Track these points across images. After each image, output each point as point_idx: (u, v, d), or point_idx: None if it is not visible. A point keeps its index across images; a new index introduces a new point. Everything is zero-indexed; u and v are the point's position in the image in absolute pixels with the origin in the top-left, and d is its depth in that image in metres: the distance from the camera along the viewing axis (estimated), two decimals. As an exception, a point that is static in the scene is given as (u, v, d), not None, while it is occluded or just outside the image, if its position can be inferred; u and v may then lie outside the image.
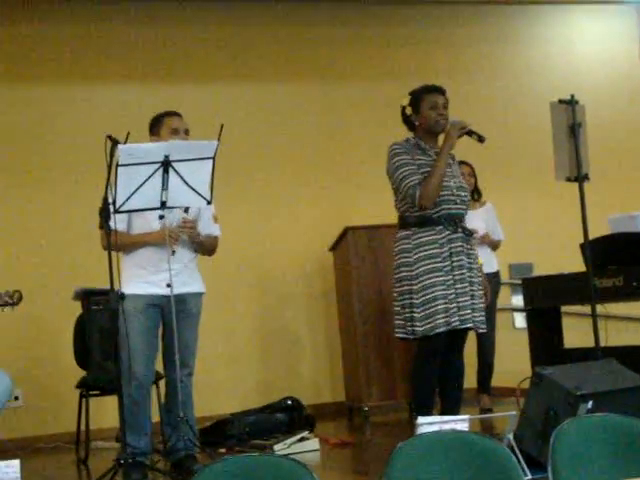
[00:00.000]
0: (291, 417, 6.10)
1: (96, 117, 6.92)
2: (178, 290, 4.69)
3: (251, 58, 7.64)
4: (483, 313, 4.82)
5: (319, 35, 7.84)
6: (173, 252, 4.65)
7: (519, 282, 6.88)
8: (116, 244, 4.70)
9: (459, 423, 3.65)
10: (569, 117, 5.20)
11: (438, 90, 4.88)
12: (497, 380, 6.79)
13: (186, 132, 4.80)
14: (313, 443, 5.39)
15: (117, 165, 4.23)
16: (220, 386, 7.14)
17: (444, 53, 8.08)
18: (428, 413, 4.62)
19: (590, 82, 8.15)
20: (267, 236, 7.51)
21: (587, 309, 5.38)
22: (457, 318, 4.65)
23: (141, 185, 4.25)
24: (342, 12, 7.90)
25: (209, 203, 4.41)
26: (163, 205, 4.36)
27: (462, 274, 4.71)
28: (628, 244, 5.55)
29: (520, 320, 7.70)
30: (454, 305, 4.65)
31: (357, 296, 6.67)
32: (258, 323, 7.47)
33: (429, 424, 3.63)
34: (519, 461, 2.67)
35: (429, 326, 4.62)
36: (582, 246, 5.49)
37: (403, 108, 4.90)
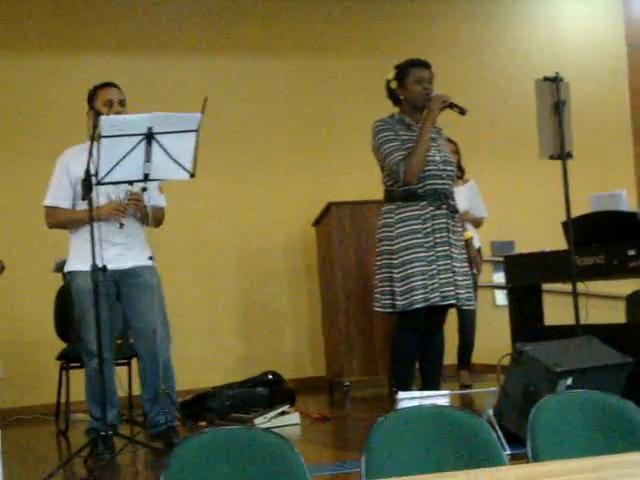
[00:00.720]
0: (272, 391, 6.11)
1: (79, 88, 6.86)
2: (132, 263, 4.69)
3: (237, 31, 7.60)
4: (470, 290, 4.83)
5: (306, 10, 7.79)
6: (121, 225, 4.60)
7: (501, 259, 6.90)
8: (58, 221, 4.71)
9: (439, 398, 3.67)
10: (553, 94, 5.20)
11: (424, 64, 4.86)
12: (477, 357, 6.83)
13: (121, 103, 4.72)
14: (294, 417, 5.41)
15: (100, 136, 4.20)
16: (201, 360, 7.15)
17: (429, 30, 8.05)
18: (407, 387, 4.66)
19: (575, 60, 8.14)
20: (250, 211, 7.50)
21: (568, 287, 5.40)
22: (437, 294, 4.66)
23: (124, 157, 4.22)
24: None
25: (192, 176, 4.39)
26: (146, 177, 4.34)
27: (444, 250, 4.71)
28: (610, 222, 5.56)
29: (501, 297, 7.74)
30: (435, 281, 4.66)
31: (339, 271, 6.68)
32: (240, 298, 7.47)
33: (409, 399, 3.65)
34: (499, 436, 2.68)
35: (407, 301, 4.63)
36: (564, 224, 5.50)
37: (388, 82, 4.89)
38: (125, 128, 4.22)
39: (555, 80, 5.20)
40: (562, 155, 5.21)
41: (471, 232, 5.54)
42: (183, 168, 4.35)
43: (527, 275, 6.13)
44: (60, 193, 4.74)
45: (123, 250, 4.67)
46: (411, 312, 4.66)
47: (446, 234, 4.74)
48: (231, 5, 7.62)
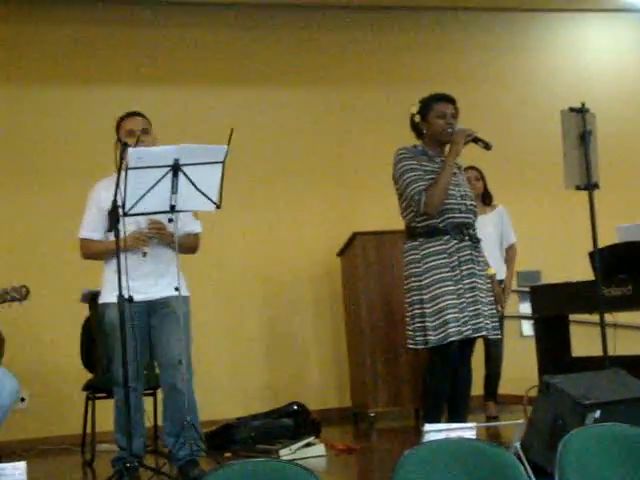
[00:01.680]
0: (297, 422, 6.09)
1: (104, 120, 6.93)
2: (160, 294, 4.67)
3: (259, 63, 7.66)
4: (495, 319, 4.81)
5: (328, 41, 7.85)
6: (144, 254, 4.61)
7: (527, 290, 6.86)
8: (90, 253, 4.74)
9: (466, 431, 3.64)
10: (579, 125, 5.20)
11: (447, 99, 4.87)
12: (504, 388, 6.77)
13: (144, 131, 4.72)
14: (319, 449, 5.38)
15: (127, 168, 4.23)
16: (226, 390, 7.14)
17: (453, 60, 8.08)
18: (437, 421, 4.62)
19: (600, 90, 8.13)
20: (275, 241, 7.51)
21: (595, 318, 5.36)
22: (469, 327, 4.64)
23: (151, 188, 4.25)
24: (352, 18, 7.91)
25: (218, 207, 4.40)
26: (172, 209, 4.36)
27: (471, 282, 4.70)
28: (637, 253, 5.53)
29: (528, 328, 7.69)
30: (465, 314, 4.64)
31: (364, 302, 6.66)
32: (265, 328, 7.47)
33: (436, 431, 3.61)
34: (526, 470, 2.66)
35: (441, 335, 4.61)
36: (591, 254, 5.48)
37: (412, 116, 4.90)
38: (152, 160, 4.24)
39: (581, 111, 5.20)
40: (588, 185, 5.19)
41: (494, 268, 5.46)
42: (209, 199, 4.37)
43: (554, 306, 6.10)
44: (92, 225, 4.78)
45: (152, 280, 4.66)
46: (445, 346, 4.64)
47: (472, 265, 4.73)
48: (254, 37, 7.68)
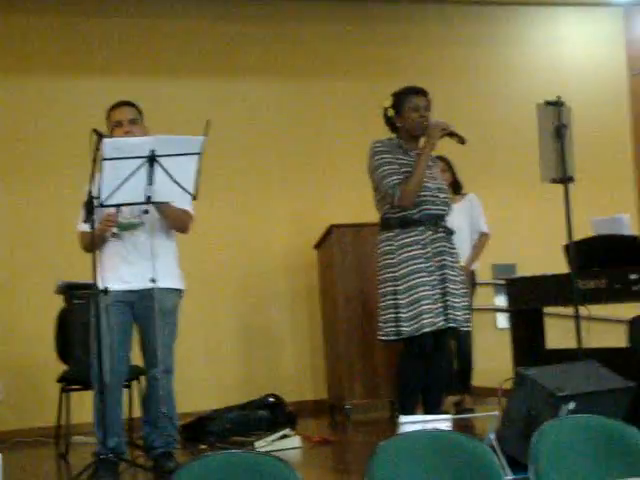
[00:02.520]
0: (273, 414, 6.10)
1: (81, 110, 6.89)
2: (144, 284, 4.63)
3: (235, 54, 7.63)
4: (467, 312, 4.83)
5: (306, 33, 7.83)
6: (113, 234, 4.58)
7: (502, 282, 6.89)
8: (83, 245, 4.73)
9: (441, 422, 3.66)
10: (555, 118, 5.21)
11: (420, 92, 4.88)
12: (478, 380, 6.80)
13: (132, 122, 4.68)
14: (295, 441, 5.39)
15: (102, 159, 4.21)
16: (202, 382, 7.13)
17: (429, 52, 8.09)
18: (412, 413, 4.64)
19: (576, 84, 8.17)
20: (251, 233, 7.50)
21: (570, 310, 5.39)
22: (442, 318, 4.66)
23: (126, 179, 4.23)
24: (328, 9, 7.89)
25: (194, 198, 4.39)
26: (148, 200, 4.34)
27: (445, 273, 4.72)
28: (611, 246, 5.57)
29: (502, 320, 7.72)
30: (439, 305, 4.66)
31: (341, 294, 6.66)
32: (241, 320, 7.46)
33: (411, 423, 3.63)
34: (500, 461, 2.67)
35: (415, 326, 4.62)
36: (566, 247, 5.50)
37: (385, 109, 4.91)
38: (127, 151, 4.22)
39: (557, 104, 5.22)
40: (564, 179, 5.21)
41: (462, 260, 5.44)
42: (185, 190, 4.36)
43: (529, 298, 6.12)
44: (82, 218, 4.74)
45: (137, 269, 4.63)
46: (419, 337, 4.65)
47: (446, 257, 4.76)
48: (231, 28, 7.65)
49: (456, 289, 4.76)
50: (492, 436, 3.88)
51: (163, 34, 7.48)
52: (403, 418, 3.67)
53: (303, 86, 7.80)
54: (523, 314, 6.23)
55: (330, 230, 6.76)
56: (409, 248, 4.70)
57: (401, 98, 4.86)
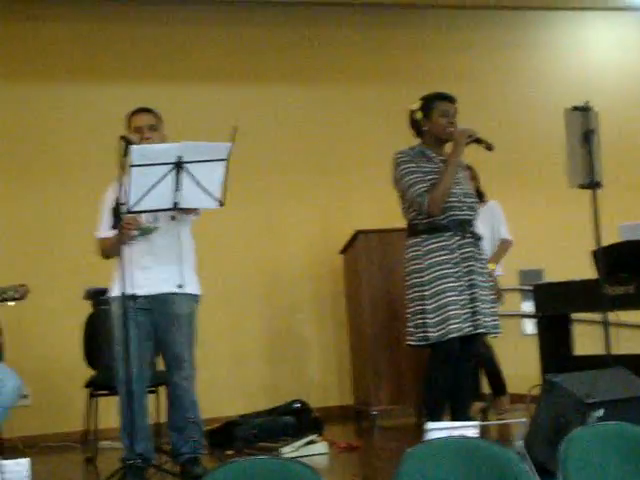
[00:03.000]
0: (299, 420, 6.09)
1: (106, 118, 6.94)
2: (161, 289, 4.64)
3: (260, 60, 7.65)
4: (496, 317, 4.81)
5: (328, 38, 7.83)
6: (134, 237, 4.57)
7: (529, 288, 6.86)
8: (103, 250, 4.75)
9: (469, 429, 3.64)
10: (583, 124, 5.20)
11: (450, 98, 4.90)
12: (507, 386, 6.77)
13: (152, 128, 4.70)
14: (321, 446, 5.38)
15: (130, 165, 4.23)
16: (228, 388, 7.14)
17: (457, 58, 8.06)
18: (439, 419, 4.64)
19: (603, 89, 8.12)
20: (277, 238, 7.52)
21: (598, 316, 5.36)
22: (470, 324, 4.64)
23: (154, 186, 4.24)
24: (352, 15, 7.90)
25: (222, 205, 4.39)
26: (176, 206, 4.36)
27: (473, 279, 4.71)
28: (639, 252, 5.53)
29: (530, 326, 7.68)
30: (466, 310, 4.64)
31: (367, 299, 6.66)
32: (267, 325, 7.47)
33: (438, 429, 3.61)
34: (529, 468, 2.65)
35: (442, 332, 4.61)
36: (594, 253, 5.47)
37: (412, 112, 4.92)
38: (155, 157, 4.24)
39: (584, 109, 5.19)
40: (592, 184, 5.19)
41: (493, 264, 5.41)
42: (212, 197, 4.36)
43: (556, 304, 6.10)
44: (104, 225, 4.77)
45: (154, 274, 4.64)
46: (445, 342, 4.64)
47: (474, 262, 4.74)
48: (254, 34, 7.66)
49: (484, 294, 4.74)
50: (521, 443, 3.85)
51: (188, 40, 7.50)
52: (430, 425, 3.64)
53: (329, 91, 7.80)
54: (551, 320, 6.21)
55: (356, 236, 6.75)
56: (436, 253, 4.69)
57: (430, 103, 4.87)
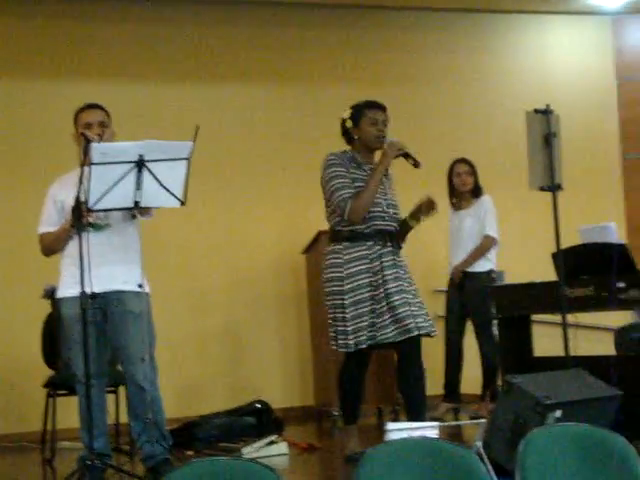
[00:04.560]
0: (260, 420, 6.09)
1: (66, 116, 6.88)
2: (116, 286, 4.60)
3: (228, 60, 7.62)
4: (427, 317, 4.82)
5: (299, 38, 7.83)
6: (89, 221, 4.48)
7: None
8: (46, 245, 4.71)
9: (428, 430, 3.65)
10: (544, 127, 5.23)
11: (379, 107, 4.93)
12: (466, 387, 6.81)
13: (101, 124, 4.65)
14: (281, 447, 5.38)
15: (90, 163, 4.19)
16: (189, 388, 7.11)
17: (415, 60, 8.09)
18: (354, 422, 4.90)
19: (565, 92, 8.19)
20: (239, 238, 7.49)
21: (558, 318, 5.40)
22: (393, 329, 4.67)
23: (115, 184, 4.21)
24: (314, 15, 7.89)
25: (183, 204, 4.37)
26: (136, 205, 4.32)
27: (398, 286, 4.74)
28: (599, 254, 5.58)
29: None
30: (384, 319, 4.67)
31: (329, 300, 6.64)
32: (228, 325, 7.44)
33: (398, 430, 3.63)
34: (487, 469, 2.67)
35: (354, 341, 4.72)
36: (554, 255, 5.52)
37: (343, 121, 4.95)
38: (116, 155, 4.20)
39: (546, 112, 5.23)
40: (552, 187, 5.23)
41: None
42: (174, 196, 4.34)
43: (516, 306, 6.13)
44: (48, 220, 4.73)
45: (109, 271, 4.57)
46: (357, 351, 4.76)
47: (395, 270, 4.78)
48: (223, 34, 7.64)
49: (413, 298, 4.77)
50: (479, 444, 3.87)
51: (158, 39, 7.46)
52: (390, 425, 3.66)
53: (294, 91, 7.79)
54: (511, 322, 6.24)
55: (318, 236, 6.75)
56: (356, 262, 4.76)
57: (360, 111, 4.91)
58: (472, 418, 6.20)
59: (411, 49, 8.10)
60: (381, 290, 4.71)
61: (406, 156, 4.83)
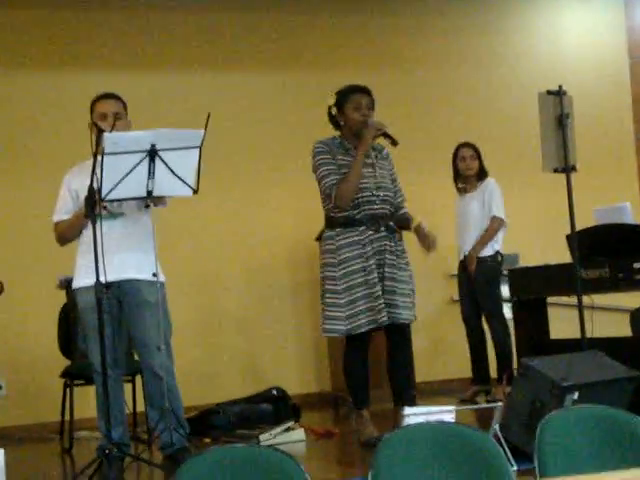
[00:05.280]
0: (277, 407, 6.09)
1: (80, 105, 6.87)
2: (131, 275, 4.61)
3: (239, 47, 7.59)
4: (409, 305, 4.86)
5: (301, 23, 7.79)
6: (104, 208, 4.48)
7: (505, 272, 6.87)
8: (61, 233, 4.72)
9: (445, 414, 3.65)
10: (557, 108, 5.20)
11: (363, 90, 4.94)
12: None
13: (116, 116, 4.63)
14: (299, 433, 5.39)
15: (103, 154, 4.19)
16: (205, 376, 7.12)
17: (430, 43, 8.05)
18: (365, 406, 4.95)
19: (577, 72, 8.13)
20: (253, 226, 7.49)
21: (573, 300, 5.38)
22: (384, 314, 4.72)
23: (127, 174, 4.21)
24: (325, 1, 7.86)
25: (195, 192, 4.37)
26: (149, 194, 4.32)
27: (387, 272, 4.76)
28: (614, 235, 5.56)
29: (506, 310, 7.70)
30: (379, 302, 4.71)
31: (343, 286, 6.64)
32: (244, 312, 7.45)
33: (415, 415, 3.63)
34: (505, 452, 2.66)
35: (350, 326, 4.75)
36: (568, 237, 5.50)
37: (329, 107, 4.95)
38: (128, 145, 4.21)
39: (558, 93, 5.20)
40: (566, 168, 5.20)
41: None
42: (186, 184, 4.34)
43: (532, 288, 6.12)
44: (63, 208, 4.74)
45: (123, 259, 4.58)
46: (357, 336, 4.80)
47: (387, 256, 4.80)
48: (230, 20, 7.62)
49: (398, 286, 4.80)
50: (497, 427, 3.87)
51: (164, 29, 7.44)
52: (407, 410, 3.67)
53: (305, 77, 7.76)
54: (526, 304, 6.23)
55: (332, 222, 6.73)
56: (349, 248, 4.79)
57: (344, 96, 4.93)
58: (489, 402, 6.18)
59: (422, 32, 8.06)
60: (374, 275, 4.72)
61: (385, 135, 4.83)
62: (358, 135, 4.86)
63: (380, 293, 4.73)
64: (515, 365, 6.14)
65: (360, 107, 4.85)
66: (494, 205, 6.60)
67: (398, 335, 4.93)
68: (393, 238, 4.88)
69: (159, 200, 4.56)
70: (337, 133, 5.03)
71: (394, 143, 4.82)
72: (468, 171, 6.66)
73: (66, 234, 4.73)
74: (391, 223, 4.89)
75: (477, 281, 6.55)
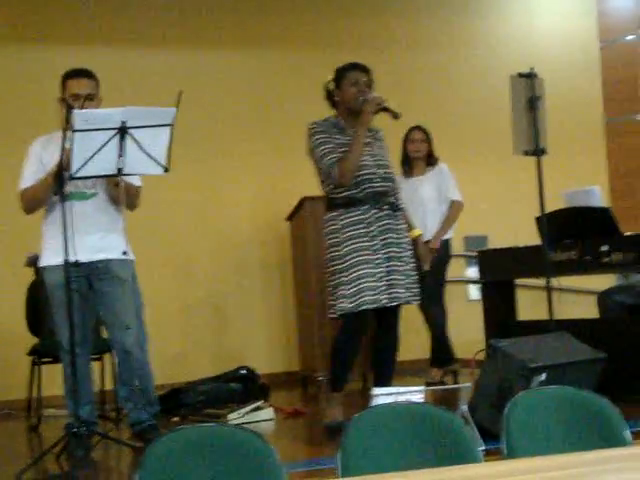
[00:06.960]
0: (245, 386, 6.10)
1: (52, 79, 6.80)
2: (103, 255, 4.61)
3: (212, 25, 7.58)
4: (415, 287, 4.80)
5: (275, 3, 7.76)
6: (69, 176, 4.32)
7: (474, 254, 6.91)
8: (28, 199, 4.62)
9: (414, 394, 3.67)
10: (528, 90, 5.22)
11: (362, 68, 4.89)
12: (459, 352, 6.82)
13: (88, 97, 4.58)
14: (267, 412, 5.40)
15: (72, 130, 4.15)
16: (174, 355, 7.12)
17: (402, 23, 8.05)
18: (342, 387, 4.82)
19: (548, 55, 8.17)
20: (223, 205, 7.47)
21: (541, 282, 5.42)
22: (386, 296, 4.65)
23: (97, 151, 4.17)
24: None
25: (166, 170, 4.34)
26: (119, 172, 4.29)
27: (388, 252, 4.71)
28: (583, 218, 5.60)
29: (474, 292, 7.76)
30: (383, 283, 4.65)
31: (313, 266, 6.66)
32: (213, 292, 7.44)
33: (384, 395, 3.64)
34: (473, 432, 2.68)
35: (355, 303, 4.63)
36: (538, 219, 5.53)
37: (327, 84, 4.91)
38: (98, 122, 4.16)
39: (530, 76, 5.21)
40: (536, 151, 5.22)
41: (420, 229, 5.34)
42: (157, 162, 4.31)
43: (500, 270, 6.16)
44: (32, 176, 4.64)
45: (95, 240, 4.58)
46: (357, 314, 4.66)
47: (389, 235, 4.74)
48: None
49: (401, 266, 4.75)
50: (465, 407, 3.90)
51: (138, 4, 7.38)
52: (376, 390, 3.68)
53: (277, 56, 7.75)
54: (495, 286, 6.26)
55: (302, 202, 6.74)
56: (353, 227, 4.71)
57: (342, 72, 4.88)
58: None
59: (397, 13, 8.05)
60: (378, 255, 4.69)
61: (385, 110, 4.80)
62: (355, 111, 4.80)
63: (383, 274, 4.66)
64: (484, 346, 6.19)
65: (357, 83, 4.81)
66: (452, 189, 6.61)
67: (392, 316, 4.84)
68: (396, 216, 4.81)
69: (130, 200, 4.55)
70: (326, 115, 4.95)
71: (395, 116, 4.74)
72: (416, 153, 6.62)
73: (37, 195, 4.60)
74: (393, 200, 4.83)
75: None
